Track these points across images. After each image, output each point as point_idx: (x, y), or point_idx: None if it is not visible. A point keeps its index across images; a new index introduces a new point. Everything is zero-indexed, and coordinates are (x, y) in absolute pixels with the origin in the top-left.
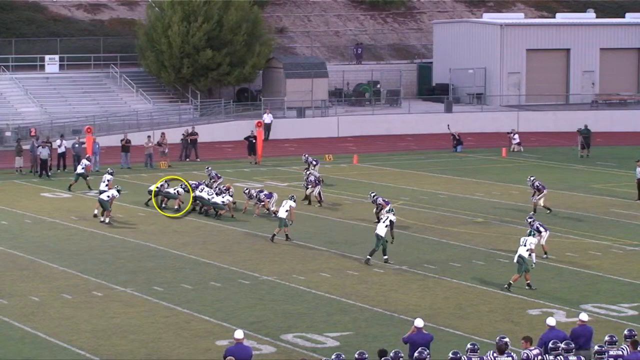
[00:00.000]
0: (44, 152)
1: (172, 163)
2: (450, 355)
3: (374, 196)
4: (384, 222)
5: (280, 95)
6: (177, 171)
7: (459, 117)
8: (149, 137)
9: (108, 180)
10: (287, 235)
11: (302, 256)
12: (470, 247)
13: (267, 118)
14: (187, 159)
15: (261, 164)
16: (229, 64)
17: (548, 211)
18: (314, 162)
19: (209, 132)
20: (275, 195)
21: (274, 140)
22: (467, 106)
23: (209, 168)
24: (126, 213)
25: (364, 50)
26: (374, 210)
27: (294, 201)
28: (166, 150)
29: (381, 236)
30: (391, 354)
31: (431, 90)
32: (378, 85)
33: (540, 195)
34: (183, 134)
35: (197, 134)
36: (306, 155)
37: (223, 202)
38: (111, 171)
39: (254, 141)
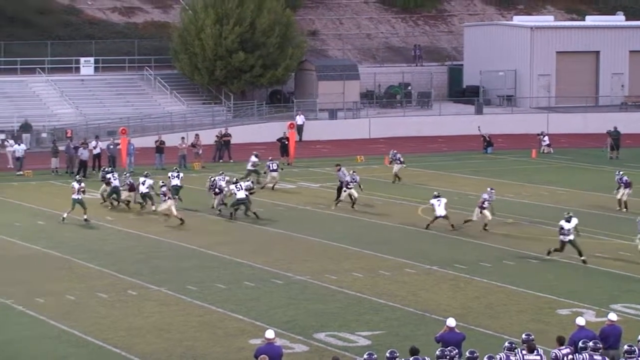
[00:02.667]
0: (85, 153)
1: (205, 164)
2: (467, 354)
3: (491, 191)
4: (573, 227)
5: (313, 97)
6: (211, 172)
7: (489, 118)
8: (182, 138)
9: (77, 188)
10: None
11: (334, 256)
12: (500, 247)
13: (299, 119)
14: (221, 160)
15: (293, 164)
16: (261, 66)
17: (624, 209)
18: (400, 160)
19: (242, 133)
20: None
21: (306, 142)
22: (497, 108)
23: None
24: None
25: (422, 52)
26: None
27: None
28: (200, 152)
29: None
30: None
31: (462, 92)
32: (409, 87)
33: (625, 192)
34: (217, 136)
35: (230, 135)
36: (394, 152)
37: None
38: (79, 178)
39: (286, 142)
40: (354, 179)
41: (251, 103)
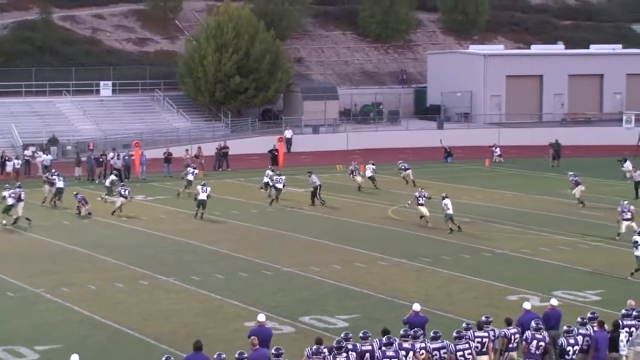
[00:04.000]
0: (118, 163)
1: (207, 172)
2: (432, 334)
3: (625, 203)
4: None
5: (298, 115)
6: (211, 179)
7: (449, 133)
8: (186, 150)
9: (12, 194)
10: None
11: (317, 251)
12: (459, 243)
13: (288, 133)
14: (220, 169)
15: (282, 172)
16: (255, 88)
17: (581, 204)
18: (405, 167)
19: (239, 145)
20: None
21: (293, 153)
22: (456, 124)
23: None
24: (169, 214)
25: (407, 76)
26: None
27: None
28: (202, 161)
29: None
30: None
31: (425, 110)
32: (381, 106)
33: (577, 189)
34: (216, 148)
35: (228, 147)
36: (401, 162)
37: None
38: (9, 186)
39: (276, 153)
40: (422, 195)
41: (246, 120)
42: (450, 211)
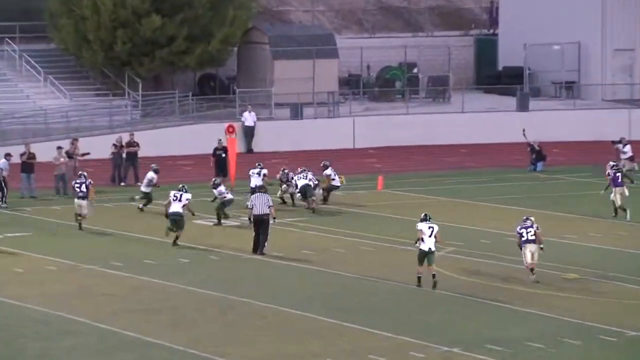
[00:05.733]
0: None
1: (98, 189)
2: None
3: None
4: None
5: (265, 86)
6: (107, 200)
7: (539, 117)
8: (59, 148)
9: None
10: None
11: (298, 332)
12: (558, 317)
13: (248, 118)
14: (122, 183)
15: (235, 189)
16: (186, 37)
17: (614, 214)
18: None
19: (156, 141)
20: None
21: (256, 154)
22: (551, 101)
23: None
24: (30, 267)
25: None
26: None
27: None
28: (81, 155)
29: None
30: None
31: (496, 78)
32: (415, 70)
33: (617, 192)
34: (115, 145)
35: (137, 144)
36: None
37: None
38: None
39: (223, 155)
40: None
41: (170, 94)
42: (429, 246)
